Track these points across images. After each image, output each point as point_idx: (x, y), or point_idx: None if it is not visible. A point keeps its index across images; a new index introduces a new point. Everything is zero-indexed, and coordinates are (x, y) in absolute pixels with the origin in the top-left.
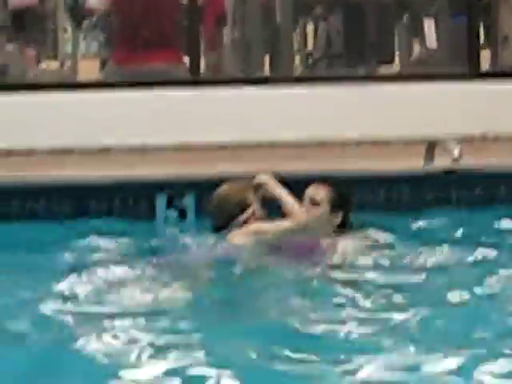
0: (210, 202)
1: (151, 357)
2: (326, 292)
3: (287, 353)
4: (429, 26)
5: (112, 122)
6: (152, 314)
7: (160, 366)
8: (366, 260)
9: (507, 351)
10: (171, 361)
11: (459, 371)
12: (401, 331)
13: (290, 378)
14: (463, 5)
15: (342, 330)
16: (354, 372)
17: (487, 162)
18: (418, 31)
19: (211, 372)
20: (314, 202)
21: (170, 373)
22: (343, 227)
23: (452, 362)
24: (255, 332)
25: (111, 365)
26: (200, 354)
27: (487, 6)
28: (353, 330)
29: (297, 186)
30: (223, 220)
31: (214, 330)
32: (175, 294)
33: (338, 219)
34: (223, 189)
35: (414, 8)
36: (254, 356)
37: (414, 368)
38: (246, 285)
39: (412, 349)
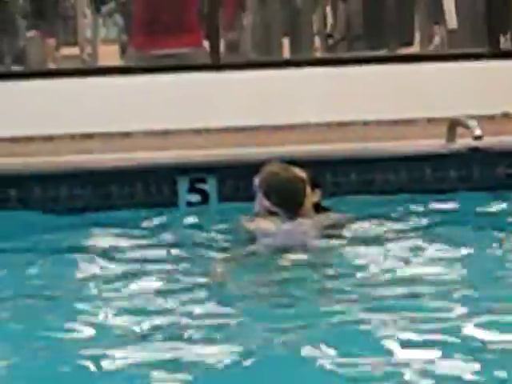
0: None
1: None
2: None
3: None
4: (448, 5)
5: (133, 107)
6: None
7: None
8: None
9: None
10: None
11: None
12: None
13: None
14: None
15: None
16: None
17: (509, 140)
18: (437, 12)
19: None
20: None
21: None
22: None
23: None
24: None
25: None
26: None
27: None
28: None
29: (317, 166)
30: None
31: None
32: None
33: (316, 198)
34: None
35: None
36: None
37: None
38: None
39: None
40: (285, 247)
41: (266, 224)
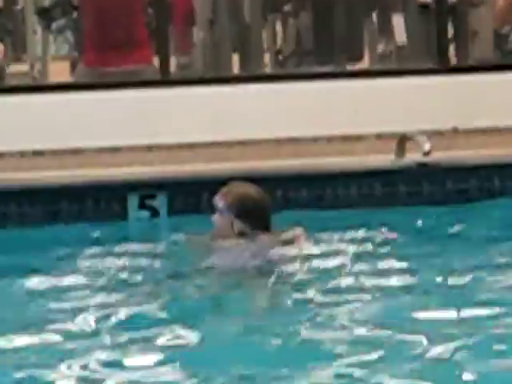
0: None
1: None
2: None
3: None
4: (397, 21)
5: (83, 124)
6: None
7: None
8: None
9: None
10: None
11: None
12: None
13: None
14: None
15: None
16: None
17: (458, 155)
18: (386, 27)
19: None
20: None
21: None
22: None
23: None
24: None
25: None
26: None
27: (457, 1)
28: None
29: (268, 183)
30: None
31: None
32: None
33: None
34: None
35: (382, 4)
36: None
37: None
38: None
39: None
40: (244, 267)
41: (228, 242)
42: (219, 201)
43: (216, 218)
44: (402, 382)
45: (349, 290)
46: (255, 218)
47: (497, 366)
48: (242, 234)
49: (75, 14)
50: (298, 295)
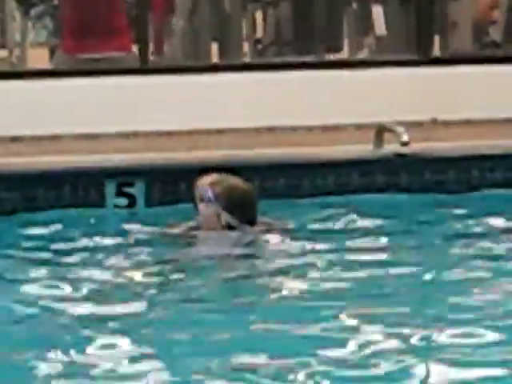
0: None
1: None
2: None
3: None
4: (377, 12)
5: (61, 110)
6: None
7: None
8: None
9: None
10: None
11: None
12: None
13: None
14: None
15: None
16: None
17: (437, 146)
18: (366, 18)
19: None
20: None
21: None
22: None
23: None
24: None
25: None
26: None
27: None
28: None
29: (245, 171)
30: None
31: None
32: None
33: None
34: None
35: None
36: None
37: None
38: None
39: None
40: (228, 255)
41: (214, 234)
42: (206, 191)
43: (202, 207)
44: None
45: (326, 279)
46: (243, 210)
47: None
48: (229, 227)
49: (54, 1)
50: (276, 286)
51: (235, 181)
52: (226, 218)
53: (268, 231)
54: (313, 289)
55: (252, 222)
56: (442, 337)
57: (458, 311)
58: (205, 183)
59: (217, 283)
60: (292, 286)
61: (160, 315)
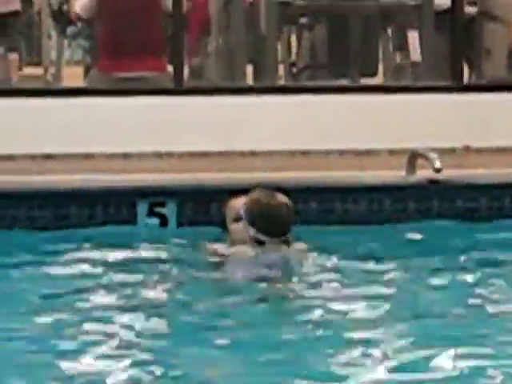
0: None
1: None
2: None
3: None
4: (413, 37)
5: (95, 129)
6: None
7: None
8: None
9: None
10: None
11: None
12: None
13: None
14: (447, 18)
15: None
16: None
17: (469, 173)
18: (402, 43)
19: None
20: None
21: None
22: None
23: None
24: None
25: None
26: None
27: (471, 19)
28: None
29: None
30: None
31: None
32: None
33: None
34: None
35: (398, 20)
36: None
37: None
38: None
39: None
40: (262, 277)
41: (246, 251)
42: (240, 209)
43: (234, 226)
44: None
45: (355, 303)
46: (266, 224)
47: None
48: (258, 242)
49: (90, 20)
50: (302, 310)
51: (262, 195)
52: (252, 232)
53: (298, 253)
54: (341, 312)
55: (279, 237)
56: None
57: (490, 341)
58: (240, 202)
59: (244, 304)
60: (319, 311)
61: (188, 334)
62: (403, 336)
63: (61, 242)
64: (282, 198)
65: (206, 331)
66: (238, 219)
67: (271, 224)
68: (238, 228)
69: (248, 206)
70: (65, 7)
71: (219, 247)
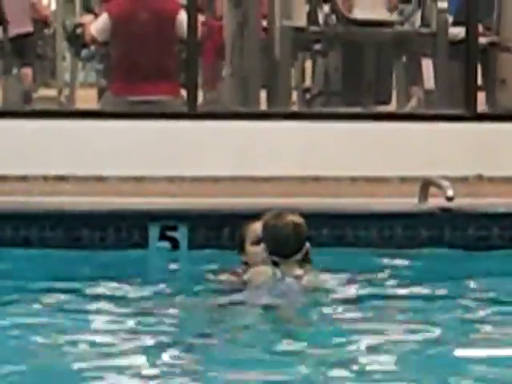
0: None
1: None
2: None
3: None
4: (426, 66)
5: (108, 152)
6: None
7: None
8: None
9: None
10: None
11: None
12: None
13: None
14: (462, 47)
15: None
16: None
17: (482, 202)
18: (416, 72)
19: None
20: None
21: None
22: None
23: None
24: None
25: None
26: None
27: (485, 48)
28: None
29: None
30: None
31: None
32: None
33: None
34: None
35: (412, 48)
36: None
37: None
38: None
39: None
40: (275, 304)
41: (262, 276)
42: (259, 230)
43: (258, 247)
44: None
45: (367, 330)
46: (272, 245)
47: None
48: (273, 263)
49: (105, 43)
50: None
51: (270, 216)
52: (265, 254)
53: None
54: (351, 338)
55: (285, 257)
56: None
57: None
58: (259, 225)
59: (258, 330)
60: (330, 335)
61: (201, 359)
62: (417, 367)
63: (71, 263)
64: (291, 217)
65: (219, 355)
66: (258, 242)
67: (278, 245)
68: (258, 250)
69: (262, 229)
70: (79, 30)
71: (231, 277)
